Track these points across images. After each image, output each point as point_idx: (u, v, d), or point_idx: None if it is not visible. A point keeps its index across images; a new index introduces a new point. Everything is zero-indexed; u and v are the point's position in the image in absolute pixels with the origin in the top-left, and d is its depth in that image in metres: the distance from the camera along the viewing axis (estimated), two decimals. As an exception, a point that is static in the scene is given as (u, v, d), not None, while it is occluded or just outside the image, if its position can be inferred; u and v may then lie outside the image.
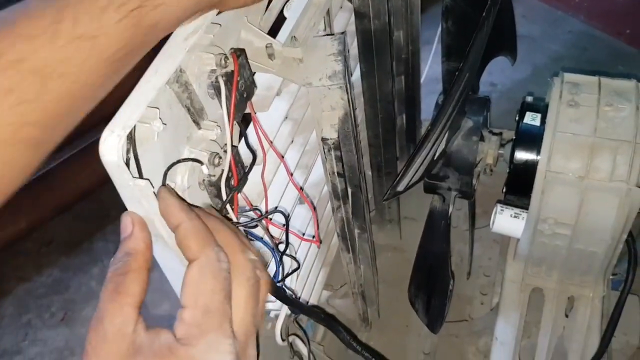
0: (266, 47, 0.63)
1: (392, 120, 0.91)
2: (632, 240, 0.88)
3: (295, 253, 0.83)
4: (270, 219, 0.66)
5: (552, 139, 0.76)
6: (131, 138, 0.46)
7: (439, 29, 0.92)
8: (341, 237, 0.80)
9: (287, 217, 0.64)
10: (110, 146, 0.44)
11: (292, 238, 0.84)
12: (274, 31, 0.65)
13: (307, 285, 0.93)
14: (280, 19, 0.69)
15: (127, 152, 0.46)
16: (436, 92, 0.93)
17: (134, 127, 0.45)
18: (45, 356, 1.38)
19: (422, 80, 1.29)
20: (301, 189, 0.79)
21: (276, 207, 0.65)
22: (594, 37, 1.89)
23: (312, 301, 1.00)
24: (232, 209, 0.58)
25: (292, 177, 0.66)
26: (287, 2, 0.71)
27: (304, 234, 0.86)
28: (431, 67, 1.24)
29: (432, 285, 0.91)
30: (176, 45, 0.51)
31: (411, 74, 0.97)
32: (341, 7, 0.85)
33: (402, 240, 1.25)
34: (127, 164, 0.46)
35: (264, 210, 0.67)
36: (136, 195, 0.47)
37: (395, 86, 0.95)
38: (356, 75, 0.93)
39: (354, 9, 0.75)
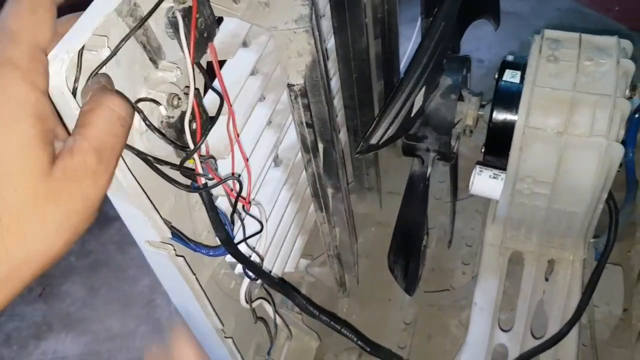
0: (230, -11, 0.61)
1: (367, 81, 0.88)
2: (614, 202, 0.86)
3: (267, 218, 0.81)
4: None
5: (530, 95, 0.74)
6: (78, 65, 0.43)
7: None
8: (313, 194, 0.78)
9: (240, 184, 0.61)
10: (54, 71, 0.41)
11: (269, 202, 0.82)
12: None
13: (283, 251, 0.91)
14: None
15: (75, 80, 0.44)
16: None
17: (80, 53, 0.43)
18: (22, 331, 1.35)
19: (405, 56, 1.28)
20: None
21: (236, 174, 0.62)
22: (582, 14, 1.87)
23: (289, 268, 0.98)
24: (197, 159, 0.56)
25: (238, 138, 0.63)
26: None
27: (277, 199, 0.84)
28: (416, 43, 1.22)
29: (409, 248, 0.89)
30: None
31: (388, 36, 0.94)
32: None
33: (383, 212, 1.24)
34: (74, 93, 0.44)
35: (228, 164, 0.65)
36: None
37: (372, 48, 0.93)
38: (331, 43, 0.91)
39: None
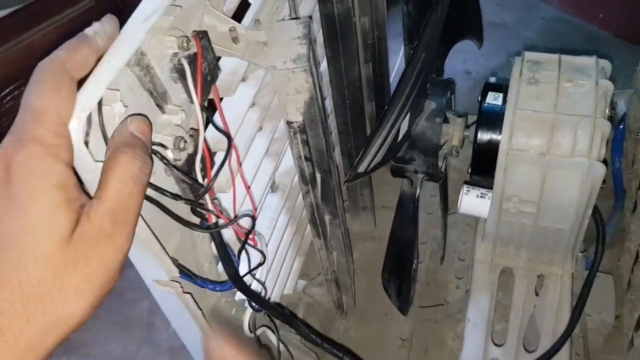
0: (230, 30, 0.63)
1: (360, 107, 0.91)
2: (600, 217, 0.88)
3: (267, 242, 0.83)
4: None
5: (513, 117, 0.76)
6: (90, 120, 0.45)
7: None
8: (312, 222, 0.80)
9: (253, 221, 0.64)
10: (70, 129, 0.43)
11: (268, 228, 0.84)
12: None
13: (282, 274, 0.93)
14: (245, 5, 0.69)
15: (87, 134, 0.45)
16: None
17: (97, 109, 0.44)
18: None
19: (394, 71, 1.30)
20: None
21: (247, 211, 0.64)
22: (568, 23, 1.90)
23: (288, 290, 1.00)
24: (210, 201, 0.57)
25: (242, 172, 0.65)
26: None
27: (275, 224, 0.86)
28: (401, 65, 1.24)
29: (402, 268, 0.91)
30: (135, 26, 0.50)
31: (378, 60, 0.97)
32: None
33: (377, 228, 1.25)
34: (87, 146, 0.45)
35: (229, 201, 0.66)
36: (98, 179, 0.47)
37: (363, 73, 0.95)
38: (325, 65, 0.93)
39: (317, -6, 0.75)
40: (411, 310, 1.17)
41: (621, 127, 1.25)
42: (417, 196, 0.88)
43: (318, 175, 0.77)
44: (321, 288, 1.07)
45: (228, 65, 0.67)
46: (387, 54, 1.00)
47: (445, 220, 1.04)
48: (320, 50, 0.89)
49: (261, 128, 0.77)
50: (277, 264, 0.90)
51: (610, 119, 0.79)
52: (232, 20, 0.62)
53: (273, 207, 0.86)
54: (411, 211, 0.88)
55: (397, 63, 1.27)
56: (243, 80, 0.70)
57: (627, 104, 1.25)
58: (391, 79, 1.16)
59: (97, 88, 0.44)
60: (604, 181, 0.78)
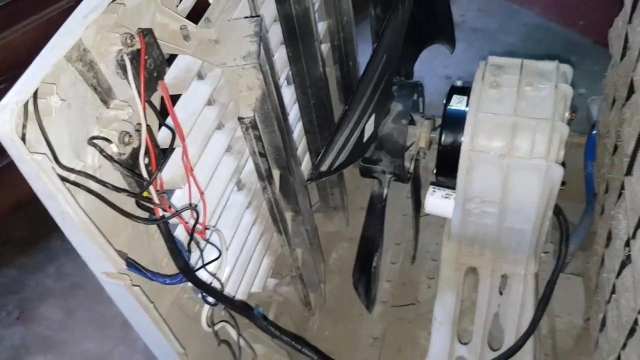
0: (181, 28, 0.64)
1: (325, 107, 0.92)
2: (564, 218, 0.90)
3: (229, 242, 0.84)
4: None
5: (474, 120, 0.77)
6: (26, 112, 0.46)
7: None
8: (272, 218, 0.81)
9: (197, 214, 0.65)
10: (3, 120, 0.44)
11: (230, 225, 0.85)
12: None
13: (249, 272, 0.94)
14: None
15: (24, 127, 0.47)
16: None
17: (29, 101, 0.46)
18: (1, 354, 1.37)
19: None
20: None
21: (193, 204, 0.66)
22: (549, 29, 1.92)
23: (256, 289, 1.00)
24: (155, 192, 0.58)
25: (191, 171, 0.66)
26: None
27: (240, 222, 0.87)
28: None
29: (370, 267, 0.92)
30: (75, 22, 0.52)
31: (346, 61, 0.98)
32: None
33: (354, 229, 1.27)
34: (24, 138, 0.47)
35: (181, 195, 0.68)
36: (35, 170, 0.48)
37: (331, 74, 0.97)
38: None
39: (274, -8, 0.76)
40: (384, 310, 1.18)
41: (593, 132, 1.27)
42: (384, 196, 0.89)
43: (276, 172, 0.78)
44: (291, 287, 1.08)
45: (183, 62, 0.68)
46: (355, 55, 1.01)
47: (417, 221, 1.06)
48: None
49: (223, 126, 0.78)
50: (244, 262, 0.91)
51: (570, 122, 0.81)
52: (183, 19, 0.63)
53: (238, 205, 0.87)
54: (379, 210, 0.90)
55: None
56: (200, 78, 0.71)
57: (597, 110, 1.27)
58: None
59: (31, 82, 0.46)
60: (564, 182, 0.80)
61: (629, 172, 0.83)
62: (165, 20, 0.63)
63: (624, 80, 0.92)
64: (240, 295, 0.91)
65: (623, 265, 0.81)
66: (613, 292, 0.86)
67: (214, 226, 0.76)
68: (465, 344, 0.92)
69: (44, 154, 0.48)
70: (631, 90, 0.86)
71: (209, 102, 0.74)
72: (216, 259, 0.71)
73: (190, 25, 0.64)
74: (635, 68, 0.84)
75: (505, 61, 0.83)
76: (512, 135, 0.76)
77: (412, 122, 0.87)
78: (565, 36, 1.89)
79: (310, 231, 0.90)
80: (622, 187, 0.86)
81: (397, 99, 0.85)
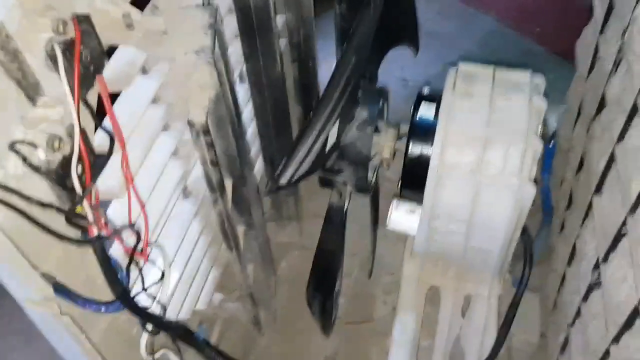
0: (123, 16, 0.56)
1: (283, 109, 0.85)
2: (529, 239, 0.86)
3: (174, 256, 0.75)
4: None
5: (444, 131, 0.72)
6: None
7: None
8: (222, 233, 0.73)
9: (138, 234, 0.56)
10: None
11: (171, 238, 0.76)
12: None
13: (194, 288, 0.86)
14: None
15: None
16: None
17: None
18: None
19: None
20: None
21: (133, 222, 0.57)
22: (505, 35, 1.91)
23: (201, 306, 0.92)
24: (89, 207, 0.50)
25: (128, 169, 0.58)
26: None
27: (185, 234, 0.79)
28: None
29: (327, 285, 0.85)
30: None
31: (305, 59, 0.91)
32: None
33: (306, 237, 1.20)
34: None
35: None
36: None
37: (289, 73, 0.89)
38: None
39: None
40: (337, 327, 1.12)
41: (551, 144, 1.25)
42: (345, 210, 0.83)
43: (229, 182, 0.71)
44: (239, 303, 1.00)
45: (124, 55, 0.59)
46: (315, 53, 0.95)
47: (375, 234, 1.00)
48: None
49: (169, 127, 0.69)
50: (188, 277, 0.83)
51: (543, 136, 0.77)
52: (126, 4, 0.55)
53: (184, 215, 0.79)
54: (339, 225, 0.83)
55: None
56: (144, 72, 0.62)
57: (559, 122, 1.25)
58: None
59: None
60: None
61: (598, 190, 0.79)
62: (106, 6, 0.55)
63: (593, 94, 0.89)
64: (183, 314, 0.82)
65: (590, 288, 0.78)
66: (578, 315, 0.83)
67: (156, 241, 0.68)
68: (424, 366, 0.87)
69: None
70: (602, 105, 0.82)
71: (154, 100, 0.65)
72: (158, 281, 0.62)
73: (134, 12, 0.56)
74: (608, 82, 0.80)
75: (477, 70, 0.78)
76: (484, 150, 0.71)
77: (376, 130, 0.81)
78: (521, 43, 1.88)
79: (263, 244, 0.83)
80: (590, 206, 0.83)
81: (362, 104, 0.78)
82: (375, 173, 0.86)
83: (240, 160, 0.67)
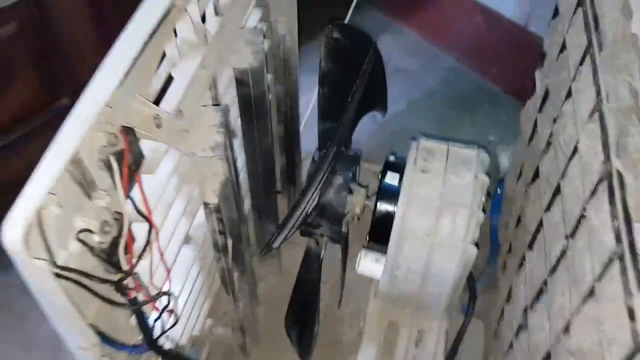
0: (154, 117, 0.69)
1: (271, 170, 0.99)
2: (473, 281, 1.03)
3: (180, 292, 0.90)
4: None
5: (406, 200, 0.88)
6: (30, 224, 0.51)
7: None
8: (222, 281, 0.87)
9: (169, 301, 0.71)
10: (13, 236, 0.49)
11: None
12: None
13: (191, 318, 1.00)
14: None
15: (27, 234, 0.51)
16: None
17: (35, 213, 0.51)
18: None
19: (306, 114, 1.41)
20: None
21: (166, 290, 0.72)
22: (465, 75, 2.08)
23: (196, 332, 1.06)
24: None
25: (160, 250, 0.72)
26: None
27: (188, 275, 0.93)
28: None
29: (304, 320, 1.01)
30: (70, 134, 0.57)
31: (290, 123, 1.06)
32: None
33: (284, 262, 1.35)
34: (28, 244, 0.51)
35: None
36: (35, 273, 0.53)
37: (275, 132, 1.04)
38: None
39: (235, 78, 0.82)
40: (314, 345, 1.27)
41: (499, 192, 1.42)
42: (321, 257, 0.98)
43: (229, 241, 0.85)
44: (227, 328, 1.14)
45: (150, 143, 0.73)
46: (298, 118, 1.10)
47: (344, 273, 1.15)
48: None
49: (180, 191, 0.83)
50: (188, 310, 0.97)
51: (489, 194, 0.94)
52: (156, 107, 0.69)
53: (188, 260, 0.93)
54: (316, 269, 0.99)
55: (310, 102, 1.37)
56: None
57: (505, 174, 1.43)
58: (302, 126, 1.27)
59: (36, 197, 0.51)
60: (490, 194, 0.92)
61: (530, 247, 0.97)
62: (140, 107, 0.68)
63: (531, 162, 1.07)
64: (183, 341, 0.97)
65: (520, 328, 0.95)
66: (511, 347, 1.00)
67: (169, 290, 0.82)
68: (383, 390, 1.03)
69: (45, 259, 0.53)
70: (536, 175, 1.00)
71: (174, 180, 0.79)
72: (174, 325, 0.77)
73: (163, 114, 0.70)
74: (542, 158, 0.98)
75: (434, 146, 0.94)
76: (437, 218, 0.87)
77: (350, 191, 0.97)
78: (479, 83, 2.06)
79: (252, 284, 0.98)
80: (524, 258, 1.00)
81: (338, 173, 0.94)
82: (347, 225, 1.02)
83: (240, 222, 0.82)
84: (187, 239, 0.95)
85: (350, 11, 1.57)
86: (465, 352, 1.27)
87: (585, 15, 0.83)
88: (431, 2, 2.34)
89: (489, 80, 2.08)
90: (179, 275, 0.91)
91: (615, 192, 0.63)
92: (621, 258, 0.60)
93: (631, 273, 0.57)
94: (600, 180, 0.68)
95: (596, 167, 0.70)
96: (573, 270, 0.74)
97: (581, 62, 0.82)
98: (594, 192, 0.69)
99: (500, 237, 1.41)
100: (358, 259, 0.98)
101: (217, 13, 0.89)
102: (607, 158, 0.66)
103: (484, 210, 0.88)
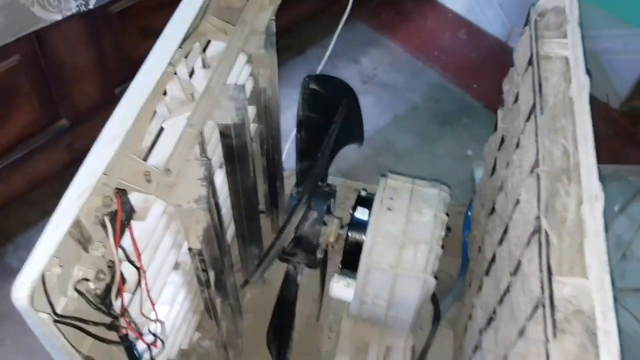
0: (144, 174, 0.79)
1: (253, 204, 1.09)
2: (437, 302, 1.14)
3: (167, 314, 1.00)
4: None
5: (373, 235, 0.98)
6: (34, 287, 0.61)
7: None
8: (206, 309, 0.98)
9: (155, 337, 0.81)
10: (22, 296, 0.59)
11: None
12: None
13: (180, 335, 1.11)
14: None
15: (31, 295, 0.62)
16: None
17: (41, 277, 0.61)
18: None
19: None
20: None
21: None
22: (447, 90, 2.18)
23: (184, 346, 1.17)
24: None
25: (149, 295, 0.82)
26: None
27: (176, 298, 1.03)
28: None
29: (282, 336, 1.11)
30: (70, 203, 0.66)
31: (271, 158, 1.16)
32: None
33: (267, 278, 1.45)
34: (33, 304, 0.62)
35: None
36: (39, 324, 0.63)
37: (258, 164, 1.14)
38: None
39: (219, 130, 0.92)
40: (292, 357, 1.39)
41: (469, 214, 1.52)
42: (298, 282, 1.09)
43: (212, 274, 0.95)
44: (212, 341, 1.25)
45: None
46: (280, 152, 1.19)
47: (322, 291, 1.26)
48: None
49: (169, 227, 0.93)
50: (178, 328, 1.07)
51: (449, 229, 1.05)
52: (147, 165, 0.79)
53: (175, 285, 1.03)
54: (292, 292, 1.09)
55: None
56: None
57: (473, 195, 1.53)
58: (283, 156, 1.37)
59: (41, 260, 0.61)
60: (449, 229, 1.03)
61: (487, 274, 1.07)
62: (132, 165, 0.78)
63: (490, 195, 1.17)
64: (172, 355, 1.07)
65: (476, 347, 1.06)
66: (470, 363, 1.11)
67: (157, 318, 0.92)
68: (354, 399, 1.14)
69: (48, 313, 0.63)
70: (494, 209, 1.10)
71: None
72: (162, 350, 0.87)
73: (152, 171, 0.79)
74: (498, 195, 1.08)
75: (399, 185, 1.05)
76: (400, 252, 0.98)
77: (324, 223, 1.07)
78: (460, 98, 2.15)
79: (235, 305, 1.08)
80: (482, 282, 1.11)
81: (314, 208, 1.04)
82: (323, 252, 1.12)
83: (222, 257, 0.92)
84: (176, 265, 1.06)
85: (340, 26, 1.64)
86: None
87: (533, 76, 0.93)
88: (417, 17, 2.44)
89: (470, 95, 2.17)
90: (168, 297, 1.01)
91: (542, 247, 0.73)
92: (544, 306, 0.70)
93: (549, 321, 0.67)
94: (533, 233, 0.78)
95: (531, 220, 0.80)
96: (513, 306, 0.85)
97: (528, 119, 0.92)
98: (528, 243, 0.79)
99: (470, 253, 1.51)
100: (331, 283, 1.09)
101: (204, 66, 0.98)
102: (539, 215, 0.76)
103: (443, 246, 0.98)
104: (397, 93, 2.14)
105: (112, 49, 1.53)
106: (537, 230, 0.76)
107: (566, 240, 0.72)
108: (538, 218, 0.77)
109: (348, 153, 1.93)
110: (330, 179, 1.59)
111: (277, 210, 1.33)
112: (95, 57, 1.51)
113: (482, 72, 2.23)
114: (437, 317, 1.11)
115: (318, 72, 1.65)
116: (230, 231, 1.14)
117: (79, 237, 0.70)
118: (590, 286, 0.67)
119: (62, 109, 1.53)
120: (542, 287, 0.72)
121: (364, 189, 1.10)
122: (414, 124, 2.07)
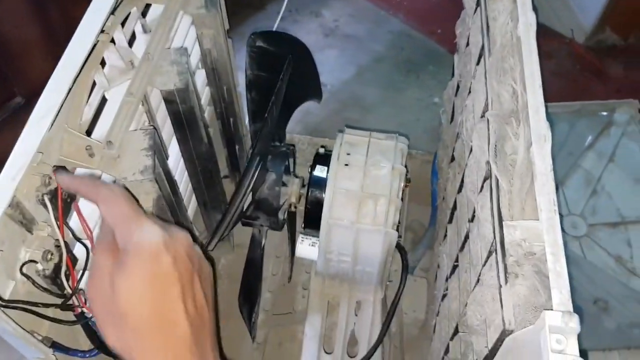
0: (86, 148, 0.77)
1: (210, 171, 1.07)
2: (405, 253, 1.14)
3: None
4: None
5: (332, 194, 0.97)
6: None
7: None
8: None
9: None
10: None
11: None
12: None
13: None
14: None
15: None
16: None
17: None
18: None
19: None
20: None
21: None
22: (411, 37, 2.14)
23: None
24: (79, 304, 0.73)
25: None
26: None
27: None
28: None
29: (251, 300, 1.12)
30: (5, 184, 0.64)
31: (227, 120, 1.14)
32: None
33: (236, 238, 1.45)
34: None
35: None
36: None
37: (214, 129, 1.12)
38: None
39: (163, 97, 0.89)
40: (266, 318, 1.40)
41: (435, 162, 1.52)
42: (263, 245, 1.08)
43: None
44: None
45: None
46: (235, 115, 1.17)
47: (293, 250, 1.25)
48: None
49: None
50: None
51: (409, 180, 1.04)
52: (88, 138, 0.76)
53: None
54: (258, 256, 1.09)
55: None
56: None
57: (438, 148, 1.52)
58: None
59: None
60: (409, 180, 1.03)
61: (450, 222, 1.07)
62: (73, 139, 0.76)
63: (449, 143, 1.16)
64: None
65: (444, 295, 1.07)
66: (438, 313, 1.12)
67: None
68: (329, 353, 1.15)
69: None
70: (453, 158, 1.09)
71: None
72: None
73: (94, 144, 0.77)
74: (455, 142, 1.07)
75: (356, 139, 1.03)
76: (360, 208, 0.97)
77: (284, 184, 1.06)
78: (424, 44, 2.13)
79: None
80: (446, 230, 1.11)
81: (270, 170, 1.02)
82: (286, 212, 1.11)
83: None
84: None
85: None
86: (410, 308, 1.40)
87: (481, 16, 0.90)
88: (377, -37, 2.38)
89: (435, 41, 2.14)
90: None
91: (493, 192, 0.73)
92: (496, 251, 0.70)
93: (501, 266, 0.67)
94: (485, 179, 0.77)
95: (483, 165, 0.79)
96: (472, 253, 0.85)
97: (478, 62, 0.90)
98: (481, 189, 0.79)
99: (438, 200, 1.52)
100: (297, 244, 1.08)
101: (145, 31, 0.95)
102: (489, 160, 0.76)
103: (402, 198, 0.98)
104: (360, 44, 2.11)
105: (59, 19, 1.48)
106: (488, 175, 0.75)
107: (516, 183, 0.72)
108: (488, 163, 0.76)
109: (314, 109, 1.91)
110: (296, 137, 1.58)
111: (239, 174, 1.31)
112: (43, 30, 1.46)
113: (445, 16, 2.17)
114: (405, 269, 1.11)
115: (275, 28, 1.61)
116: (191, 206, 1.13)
117: (21, 218, 0.68)
118: (540, 227, 0.67)
119: (16, 86, 1.48)
120: (494, 233, 0.71)
121: (323, 146, 1.08)
122: (380, 75, 2.05)
